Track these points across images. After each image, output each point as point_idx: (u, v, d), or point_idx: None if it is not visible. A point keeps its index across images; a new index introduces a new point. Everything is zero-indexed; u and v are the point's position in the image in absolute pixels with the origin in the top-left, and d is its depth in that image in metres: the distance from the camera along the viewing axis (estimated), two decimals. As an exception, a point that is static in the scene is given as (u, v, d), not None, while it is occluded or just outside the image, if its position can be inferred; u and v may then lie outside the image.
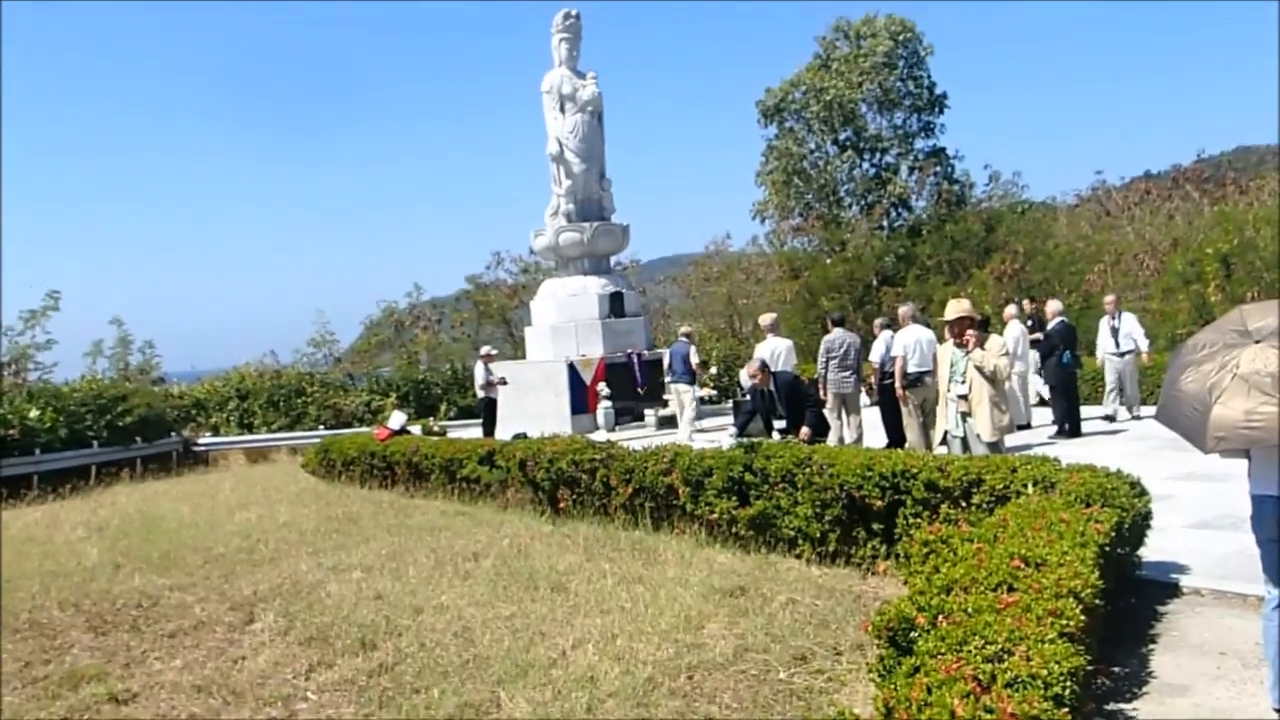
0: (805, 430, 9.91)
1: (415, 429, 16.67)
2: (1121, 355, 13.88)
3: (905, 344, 11.44)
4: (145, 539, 11.06)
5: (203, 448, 23.89)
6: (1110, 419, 13.90)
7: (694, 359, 15.98)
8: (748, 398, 14.29)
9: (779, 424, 10.36)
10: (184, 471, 21.23)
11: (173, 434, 23.42)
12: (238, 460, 23.35)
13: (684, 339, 16.41)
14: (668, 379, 18.81)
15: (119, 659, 6.81)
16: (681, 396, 15.81)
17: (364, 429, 20.45)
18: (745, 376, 12.50)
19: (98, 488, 18.21)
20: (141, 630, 7.45)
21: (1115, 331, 13.97)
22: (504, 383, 17.43)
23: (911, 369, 11.33)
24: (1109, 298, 14.73)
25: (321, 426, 24.60)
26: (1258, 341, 4.22)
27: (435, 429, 18.38)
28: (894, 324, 13.36)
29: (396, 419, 15.59)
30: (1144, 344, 14.03)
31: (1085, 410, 13.84)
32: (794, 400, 10.29)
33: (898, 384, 11.49)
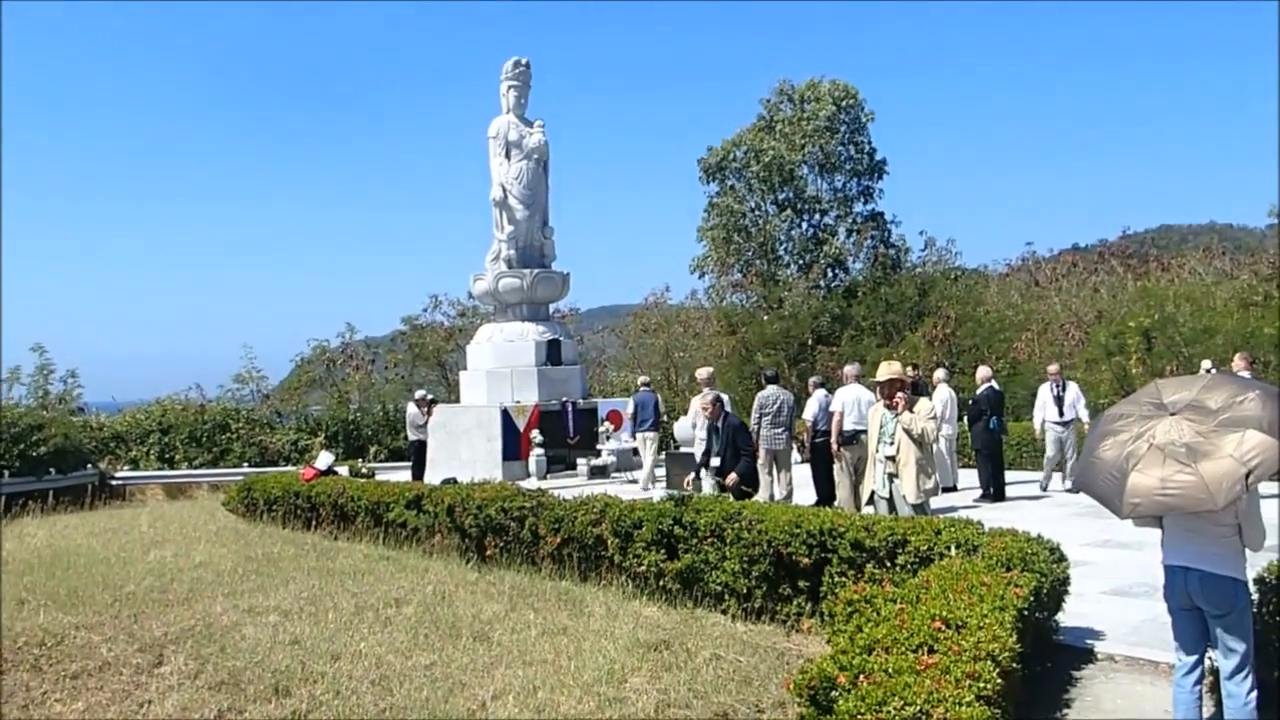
0: (734, 476, 10.00)
1: (343, 470, 16.38)
2: (1065, 425, 13.71)
3: (844, 401, 11.61)
4: (52, 575, 10.64)
5: (120, 481, 23.17)
6: (1043, 488, 13.87)
7: (661, 407, 16.30)
8: (681, 449, 14.35)
9: (714, 462, 10.45)
10: (99, 506, 20.52)
11: (89, 466, 22.70)
12: (156, 496, 22.68)
13: (647, 388, 16.68)
14: (603, 429, 18.85)
15: (16, 700, 6.53)
16: (649, 445, 15.91)
17: (290, 468, 20.03)
18: (695, 408, 12.64)
19: (5, 519, 17.53)
20: (43, 670, 7.15)
21: (1060, 400, 13.76)
22: (432, 404, 17.47)
23: (848, 426, 11.48)
24: (1053, 366, 14.53)
25: (245, 464, 24.07)
26: (1173, 414, 4.38)
27: (363, 471, 18.08)
28: (828, 383, 13.54)
29: (324, 459, 15.30)
30: (1085, 414, 13.87)
31: (1011, 475, 14.08)
32: (734, 446, 10.41)
33: (833, 440, 11.63)
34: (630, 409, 16.84)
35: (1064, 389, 13.89)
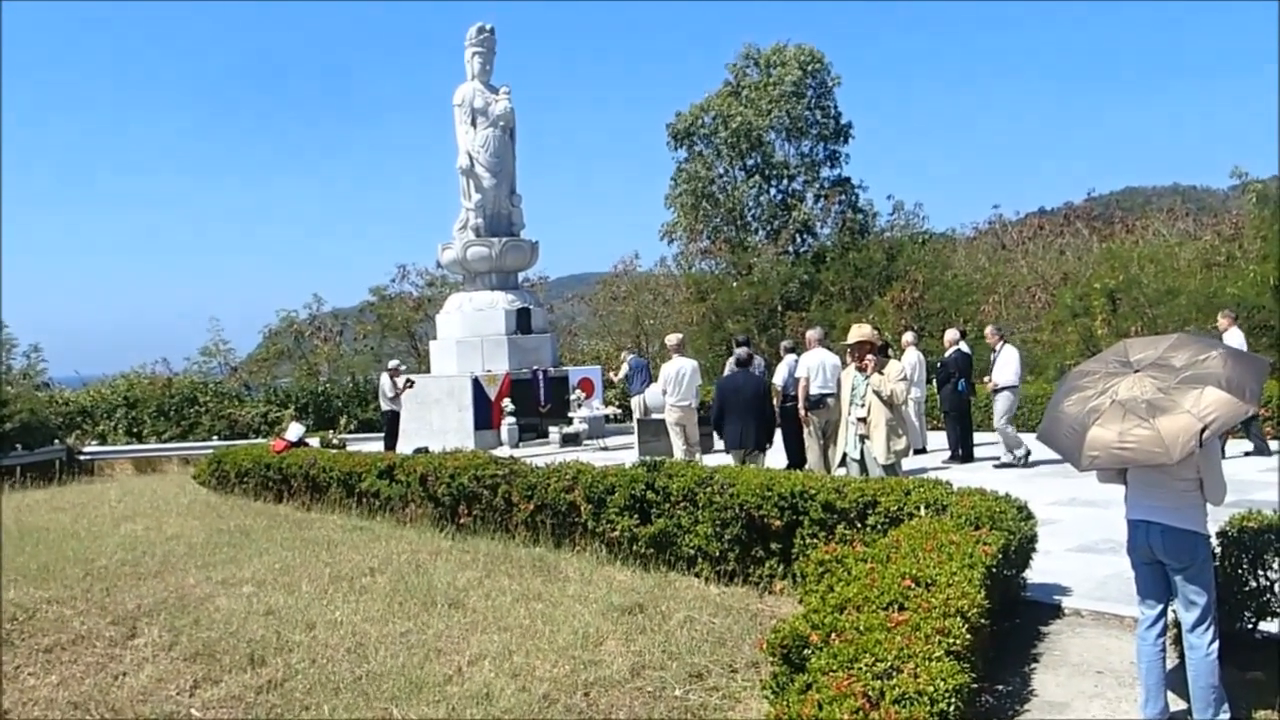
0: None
1: (314, 441, 16.32)
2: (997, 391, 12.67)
3: (810, 366, 11.64)
4: (22, 550, 10.56)
5: (88, 457, 22.97)
6: (1025, 455, 12.44)
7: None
8: (651, 415, 14.44)
9: None
10: (68, 481, 20.32)
11: (56, 442, 22.47)
12: (125, 470, 22.51)
13: (634, 354, 17.55)
14: (574, 397, 18.87)
15: (-12, 675, 6.50)
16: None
17: (260, 440, 19.93)
18: (666, 375, 12.84)
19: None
20: (15, 644, 7.11)
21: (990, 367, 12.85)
22: (410, 384, 17.23)
23: (814, 391, 11.53)
24: (989, 329, 13.64)
25: (215, 437, 23.93)
26: (1137, 371, 4.45)
27: (334, 442, 18.04)
28: (797, 348, 13.59)
29: (294, 431, 15.23)
30: (1002, 379, 12.64)
31: (979, 437, 14.22)
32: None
33: (800, 405, 11.68)
34: (625, 372, 17.45)
35: (999, 352, 12.79)
